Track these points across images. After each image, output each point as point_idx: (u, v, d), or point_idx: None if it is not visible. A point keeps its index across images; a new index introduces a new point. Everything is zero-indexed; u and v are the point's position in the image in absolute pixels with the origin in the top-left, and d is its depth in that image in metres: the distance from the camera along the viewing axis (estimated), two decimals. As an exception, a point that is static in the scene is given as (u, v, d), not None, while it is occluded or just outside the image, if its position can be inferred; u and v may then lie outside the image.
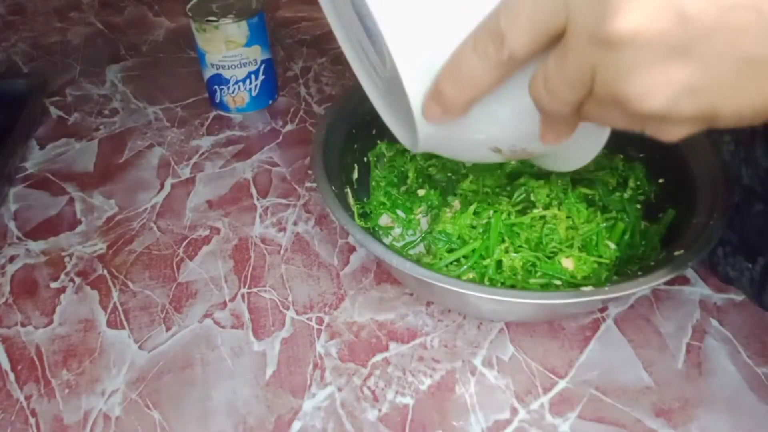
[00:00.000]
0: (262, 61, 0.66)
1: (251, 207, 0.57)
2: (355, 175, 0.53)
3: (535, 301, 0.37)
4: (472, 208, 0.48)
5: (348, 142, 0.51)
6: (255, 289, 0.50)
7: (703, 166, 0.46)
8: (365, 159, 0.55)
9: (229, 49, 0.63)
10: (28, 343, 0.46)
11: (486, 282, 0.45)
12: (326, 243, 0.54)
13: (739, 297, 0.48)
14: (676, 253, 0.40)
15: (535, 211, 0.47)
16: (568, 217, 0.47)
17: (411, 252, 0.50)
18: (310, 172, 0.61)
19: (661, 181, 0.50)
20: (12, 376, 0.44)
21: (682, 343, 0.45)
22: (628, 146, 0.53)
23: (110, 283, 0.50)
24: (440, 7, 0.28)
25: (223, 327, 0.47)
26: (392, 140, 0.57)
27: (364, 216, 0.51)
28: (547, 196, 0.49)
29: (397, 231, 0.52)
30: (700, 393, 0.42)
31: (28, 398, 0.42)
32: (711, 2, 0.21)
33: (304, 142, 0.65)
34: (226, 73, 0.65)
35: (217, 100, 0.68)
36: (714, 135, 0.51)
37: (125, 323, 0.47)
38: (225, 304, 0.49)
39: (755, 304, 0.47)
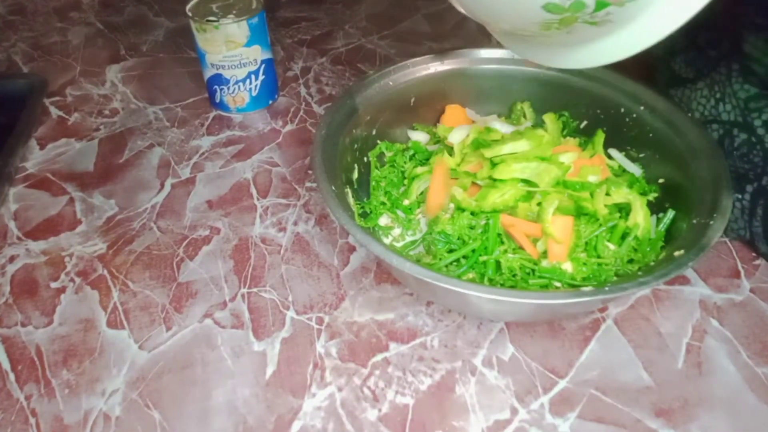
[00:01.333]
0: (263, 61, 0.66)
1: (251, 207, 0.57)
2: (355, 175, 0.53)
3: (535, 301, 0.37)
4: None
5: (348, 142, 0.52)
6: (255, 289, 0.50)
7: (704, 165, 0.46)
8: (365, 159, 0.55)
9: (229, 49, 0.63)
10: (28, 343, 0.46)
11: (486, 283, 0.45)
12: (326, 243, 0.54)
13: (739, 297, 0.48)
14: (676, 253, 0.40)
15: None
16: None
17: (411, 252, 0.50)
18: (310, 172, 0.61)
19: (661, 181, 0.50)
20: (12, 376, 0.44)
21: (682, 343, 0.45)
22: (629, 146, 0.53)
23: (110, 283, 0.50)
24: None
25: (223, 327, 0.47)
26: (392, 140, 0.57)
27: (364, 216, 0.51)
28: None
29: (397, 231, 0.52)
30: (700, 393, 0.42)
31: (28, 398, 0.43)
32: None
33: (304, 142, 0.65)
34: (227, 73, 0.65)
35: (218, 100, 0.68)
36: (688, 84, 0.53)
37: (125, 323, 0.47)
38: (225, 304, 0.49)
39: (744, 237, 0.50)
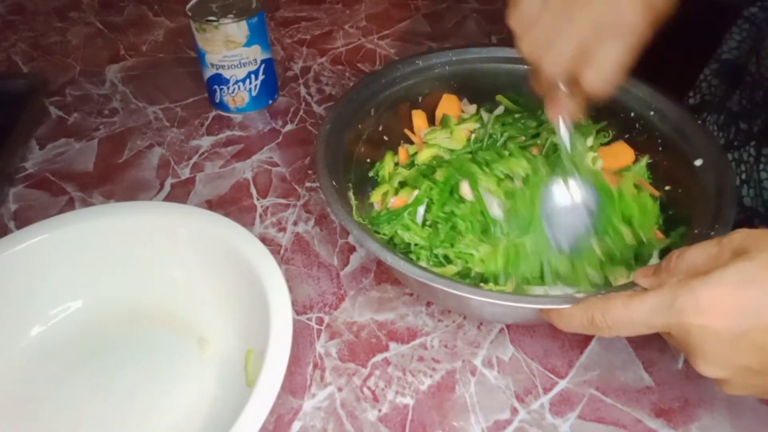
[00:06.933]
0: (262, 61, 0.66)
1: (251, 207, 0.57)
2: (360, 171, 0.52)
3: (534, 306, 0.37)
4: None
5: (353, 137, 0.51)
6: (255, 289, 0.49)
7: (710, 175, 0.45)
8: (368, 159, 0.54)
9: (228, 49, 0.63)
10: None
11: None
12: (326, 243, 0.54)
13: (739, 297, 0.48)
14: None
15: None
16: None
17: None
18: (310, 171, 0.61)
19: (667, 188, 0.50)
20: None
21: (683, 343, 0.45)
22: (637, 151, 0.53)
23: (110, 283, 0.50)
24: None
25: (223, 327, 0.47)
26: (397, 136, 0.56)
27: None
28: None
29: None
30: (700, 393, 0.42)
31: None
32: None
33: (304, 142, 0.65)
34: (226, 73, 0.65)
35: (217, 100, 0.68)
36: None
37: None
38: (225, 304, 0.48)
39: None
